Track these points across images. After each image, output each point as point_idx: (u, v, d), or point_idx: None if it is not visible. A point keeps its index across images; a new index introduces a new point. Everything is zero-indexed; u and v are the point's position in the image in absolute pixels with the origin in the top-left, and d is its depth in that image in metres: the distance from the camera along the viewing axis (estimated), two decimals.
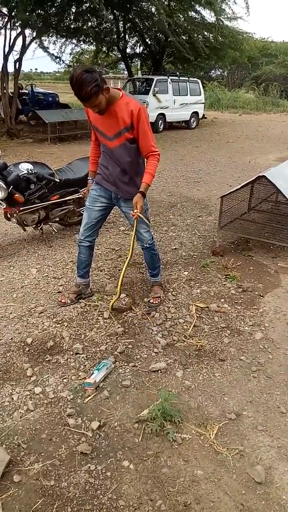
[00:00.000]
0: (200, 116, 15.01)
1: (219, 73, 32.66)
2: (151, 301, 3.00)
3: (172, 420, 1.96)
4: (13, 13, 10.73)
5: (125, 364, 2.41)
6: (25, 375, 2.29)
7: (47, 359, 2.41)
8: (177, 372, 2.34)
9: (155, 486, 1.69)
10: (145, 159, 2.57)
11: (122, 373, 2.33)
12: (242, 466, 1.78)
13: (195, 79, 14.96)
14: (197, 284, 3.34)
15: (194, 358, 2.47)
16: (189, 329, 2.74)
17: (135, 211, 2.53)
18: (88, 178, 2.88)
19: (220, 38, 14.37)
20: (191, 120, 14.46)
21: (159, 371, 2.35)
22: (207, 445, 1.88)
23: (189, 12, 13.53)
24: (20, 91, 13.62)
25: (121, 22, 15.12)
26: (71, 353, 2.48)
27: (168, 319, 2.85)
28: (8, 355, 2.45)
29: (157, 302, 3.00)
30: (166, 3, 12.77)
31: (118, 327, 2.73)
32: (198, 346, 2.57)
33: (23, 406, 2.07)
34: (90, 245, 2.89)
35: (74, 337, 2.63)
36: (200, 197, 5.93)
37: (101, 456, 1.82)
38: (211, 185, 6.63)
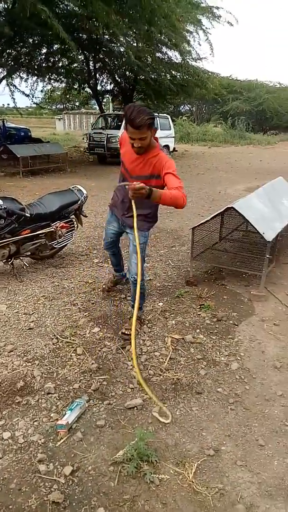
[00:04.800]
0: (171, 149, 15.48)
1: (188, 108, 34.10)
2: (123, 331, 2.95)
3: (149, 460, 1.88)
4: None
5: (100, 402, 2.32)
6: None
7: (16, 401, 2.30)
8: (154, 408, 2.27)
9: None
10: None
11: (97, 412, 2.24)
12: (223, 506, 1.71)
13: (164, 114, 15.54)
14: (172, 315, 3.32)
15: (171, 393, 2.41)
16: (165, 362, 2.69)
17: (132, 194, 2.32)
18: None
19: (187, 77, 15.08)
20: None
21: (135, 408, 2.27)
22: (186, 485, 1.80)
23: (156, 53, 14.20)
24: None
25: (91, 62, 15.68)
26: (43, 393, 2.37)
27: (143, 353, 2.79)
28: None
29: (128, 332, 2.94)
30: (134, 44, 13.39)
31: (92, 363, 2.65)
32: (175, 379, 2.52)
33: None
34: (115, 251, 3.39)
35: (45, 375, 2.53)
36: (173, 227, 6.01)
37: (74, 504, 1.71)
38: (183, 215, 6.74)
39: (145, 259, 4.59)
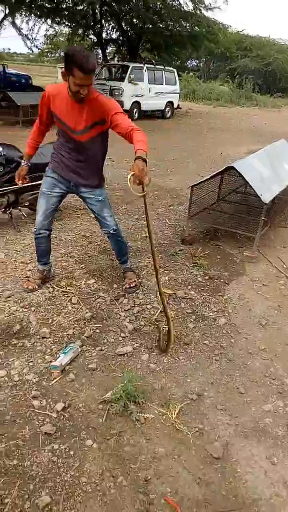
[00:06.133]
0: (175, 106, 15.00)
1: (195, 63, 32.66)
2: (127, 286, 3.04)
3: (136, 401, 2.02)
4: None
5: (92, 348, 2.44)
6: None
7: (13, 343, 2.41)
8: (143, 355, 2.40)
9: (117, 463, 1.74)
10: (128, 135, 2.36)
11: (89, 357, 2.36)
12: (201, 443, 1.86)
13: (170, 68, 14.89)
14: (166, 272, 3.40)
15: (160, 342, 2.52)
16: (156, 314, 2.80)
17: (145, 180, 2.13)
18: (24, 160, 2.79)
19: (197, 28, 14.34)
20: (166, 110, 14.42)
21: (125, 355, 2.39)
22: (168, 424, 1.95)
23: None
24: None
25: (98, 5, 14.80)
26: (38, 337, 2.48)
27: (136, 305, 2.89)
28: None
29: (133, 285, 3.04)
30: None
31: (86, 312, 2.75)
32: (164, 330, 2.63)
33: None
34: (49, 233, 2.87)
35: (41, 321, 2.63)
36: (172, 186, 5.98)
37: (65, 436, 1.86)
38: (183, 175, 6.69)
39: (142, 216, 4.63)
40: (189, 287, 3.18)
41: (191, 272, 3.42)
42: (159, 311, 2.83)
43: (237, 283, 3.30)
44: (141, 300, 2.95)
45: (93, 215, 2.95)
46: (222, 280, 3.30)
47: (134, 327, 2.65)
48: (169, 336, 2.37)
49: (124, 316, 2.77)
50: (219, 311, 2.89)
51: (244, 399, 2.13)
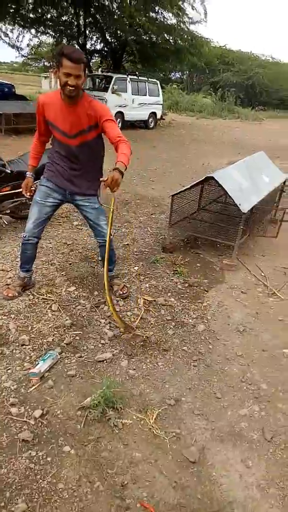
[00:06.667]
0: (158, 116, 15.22)
1: (178, 76, 33.19)
2: (120, 292, 3.08)
3: (114, 407, 2.03)
4: None
5: (72, 355, 2.44)
6: None
7: None
8: (122, 362, 2.41)
9: (94, 469, 1.75)
10: (114, 145, 2.44)
11: (68, 364, 2.36)
12: (178, 447, 1.89)
13: (154, 80, 15.13)
14: (146, 279, 3.43)
15: (139, 349, 2.55)
16: (136, 321, 2.82)
17: (114, 189, 2.23)
18: (27, 172, 2.80)
19: (179, 42, 14.64)
20: (149, 120, 14.62)
21: (105, 361, 2.41)
22: (146, 429, 1.97)
23: (150, 13, 13.68)
24: None
25: (82, 16, 14.98)
26: (17, 344, 2.47)
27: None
28: None
29: (125, 290, 3.10)
30: (128, 1, 12.84)
31: (66, 320, 2.76)
32: (144, 337, 2.66)
33: None
34: (38, 241, 2.86)
35: (20, 329, 2.62)
36: (154, 195, 6.05)
37: (42, 442, 1.85)
38: (165, 184, 6.78)
39: (124, 224, 4.67)
40: (169, 294, 3.22)
41: (172, 279, 3.46)
42: (139, 318, 2.86)
43: (216, 290, 3.36)
44: (121, 307, 2.97)
45: (87, 224, 2.93)
46: (201, 288, 3.36)
47: (114, 334, 2.66)
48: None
49: (104, 323, 2.78)
50: (198, 318, 2.93)
51: (221, 404, 2.17)
